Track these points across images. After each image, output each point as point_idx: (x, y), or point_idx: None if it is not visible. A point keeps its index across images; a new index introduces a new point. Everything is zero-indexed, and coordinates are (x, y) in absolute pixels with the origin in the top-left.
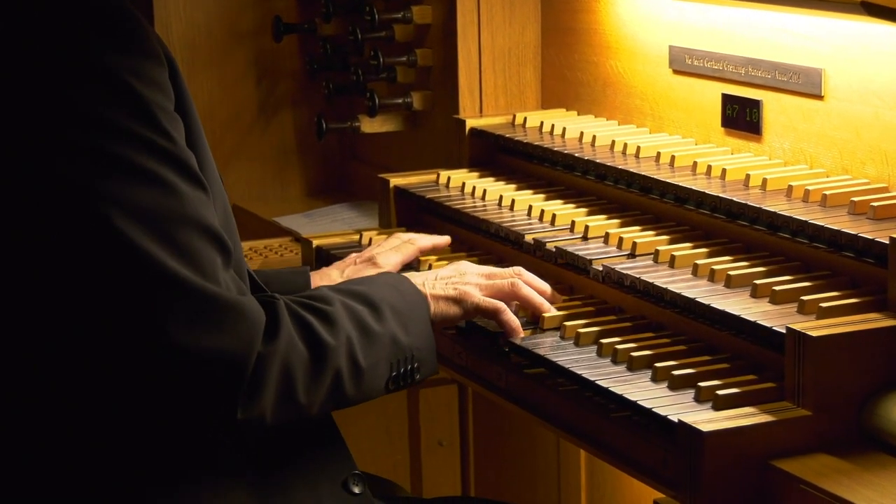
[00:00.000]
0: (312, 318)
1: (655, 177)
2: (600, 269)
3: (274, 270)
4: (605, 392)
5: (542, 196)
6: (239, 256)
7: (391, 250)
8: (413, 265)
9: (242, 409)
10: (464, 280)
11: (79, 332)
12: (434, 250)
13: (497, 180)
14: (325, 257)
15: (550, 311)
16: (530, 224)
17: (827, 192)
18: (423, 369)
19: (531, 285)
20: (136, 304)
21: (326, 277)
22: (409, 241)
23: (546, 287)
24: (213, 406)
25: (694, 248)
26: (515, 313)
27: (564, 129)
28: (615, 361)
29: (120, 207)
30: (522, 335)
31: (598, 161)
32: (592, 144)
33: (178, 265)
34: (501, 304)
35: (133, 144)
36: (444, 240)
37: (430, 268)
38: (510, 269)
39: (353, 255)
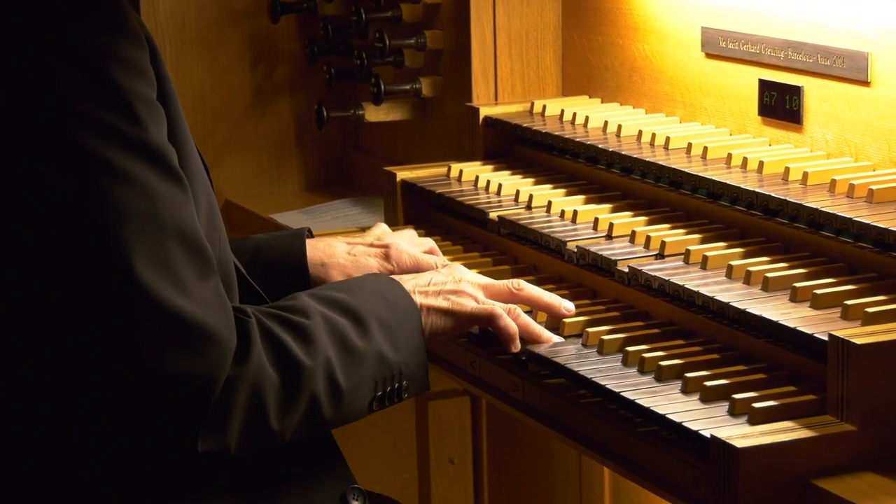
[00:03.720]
0: (287, 337)
1: (686, 170)
2: (626, 270)
3: (266, 235)
4: (631, 405)
5: (562, 191)
6: (225, 254)
7: (407, 251)
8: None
9: (204, 440)
10: (458, 287)
11: (44, 339)
12: None
13: (513, 174)
14: None
15: (569, 309)
16: (549, 222)
17: (874, 187)
18: (412, 387)
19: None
20: (100, 312)
21: (331, 249)
22: (432, 249)
23: (549, 298)
24: (171, 434)
25: (728, 247)
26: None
27: (587, 117)
28: (642, 371)
29: (89, 206)
30: (518, 345)
31: (623, 153)
32: (617, 135)
33: (147, 275)
34: (497, 309)
35: (105, 137)
36: None
37: None
38: (509, 280)
39: (371, 238)
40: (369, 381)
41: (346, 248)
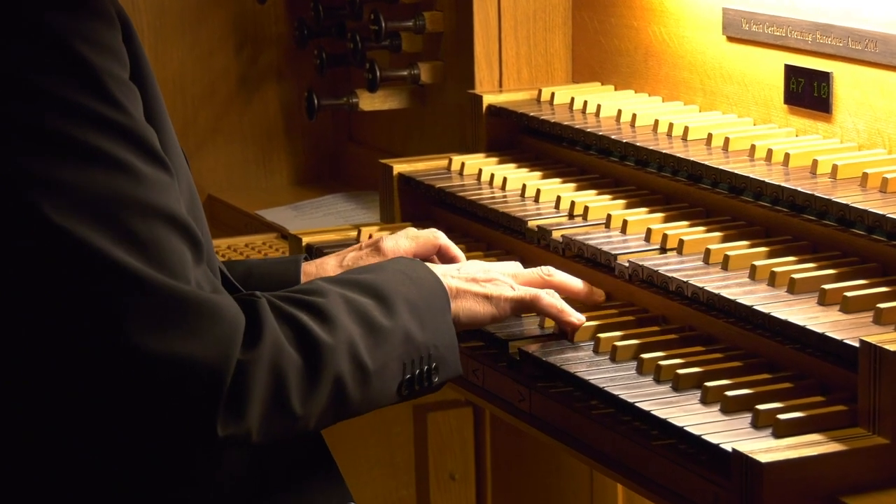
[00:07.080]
0: (303, 315)
1: (706, 163)
2: (641, 271)
3: (258, 260)
4: (647, 416)
5: (572, 185)
6: (209, 248)
7: (402, 237)
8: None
9: (223, 425)
10: (490, 276)
11: (35, 338)
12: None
13: (519, 167)
14: (317, 256)
15: (600, 295)
16: (558, 218)
17: None
18: (442, 371)
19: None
20: (91, 306)
21: (322, 269)
22: (434, 235)
23: (580, 283)
24: (188, 420)
25: (751, 246)
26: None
27: (599, 106)
28: (658, 380)
29: (66, 194)
30: (579, 316)
31: (638, 144)
32: (632, 124)
33: (136, 261)
34: (538, 290)
35: (81, 120)
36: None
37: None
38: (538, 267)
39: (360, 243)
40: (397, 362)
41: (337, 260)
